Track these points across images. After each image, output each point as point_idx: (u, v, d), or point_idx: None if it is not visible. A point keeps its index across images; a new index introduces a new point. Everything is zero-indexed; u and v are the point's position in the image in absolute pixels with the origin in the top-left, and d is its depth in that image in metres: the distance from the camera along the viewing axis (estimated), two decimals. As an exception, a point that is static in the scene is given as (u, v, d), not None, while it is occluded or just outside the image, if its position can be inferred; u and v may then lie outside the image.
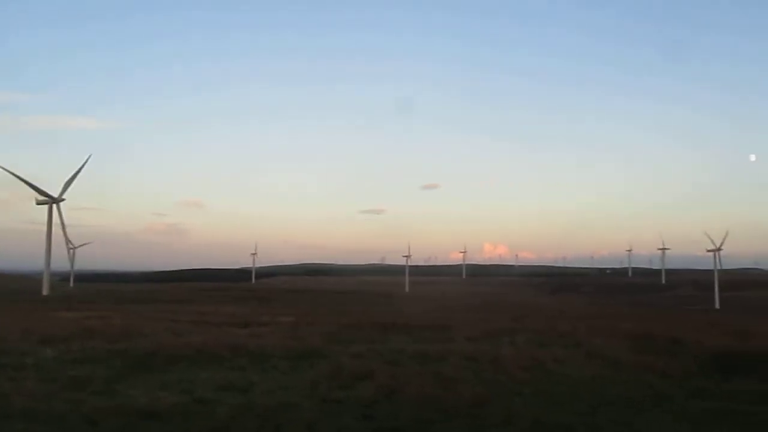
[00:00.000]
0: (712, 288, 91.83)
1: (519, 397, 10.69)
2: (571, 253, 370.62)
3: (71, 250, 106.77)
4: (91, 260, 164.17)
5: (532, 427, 8.69)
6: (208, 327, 22.05)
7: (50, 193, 73.15)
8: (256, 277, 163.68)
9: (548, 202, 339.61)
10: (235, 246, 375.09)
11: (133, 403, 9.75)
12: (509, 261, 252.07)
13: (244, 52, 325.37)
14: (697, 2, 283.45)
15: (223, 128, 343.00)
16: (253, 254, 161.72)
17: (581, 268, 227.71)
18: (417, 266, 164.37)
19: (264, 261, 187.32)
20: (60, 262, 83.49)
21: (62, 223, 74.35)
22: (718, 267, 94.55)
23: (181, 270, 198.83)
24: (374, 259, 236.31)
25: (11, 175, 69.92)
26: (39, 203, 73.45)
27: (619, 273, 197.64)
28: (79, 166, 74.74)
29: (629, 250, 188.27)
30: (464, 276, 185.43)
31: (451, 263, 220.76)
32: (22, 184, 71.28)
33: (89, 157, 75.75)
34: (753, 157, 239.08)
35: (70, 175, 74.32)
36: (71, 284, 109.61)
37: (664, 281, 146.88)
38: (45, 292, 69.87)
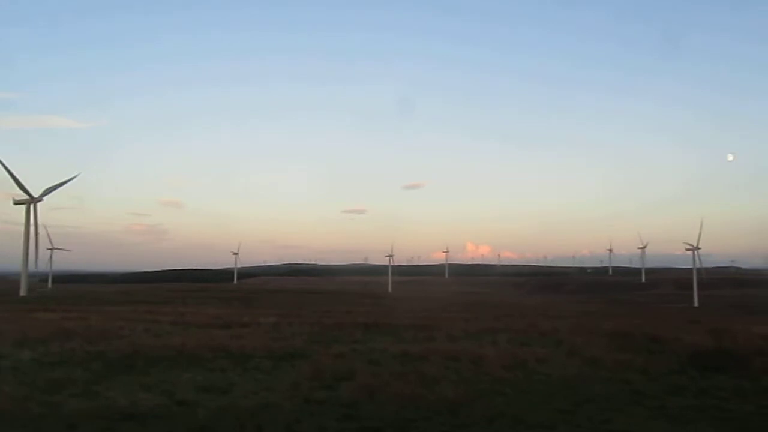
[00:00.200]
0: (691, 286, 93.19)
1: (500, 396, 10.75)
2: (553, 253, 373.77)
3: (49, 251, 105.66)
4: (70, 261, 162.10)
5: (514, 425, 8.75)
6: (189, 328, 21.87)
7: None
8: (238, 278, 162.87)
9: (530, 202, 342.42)
10: (217, 246, 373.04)
11: (113, 405, 9.66)
12: (491, 261, 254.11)
13: (225, 52, 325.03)
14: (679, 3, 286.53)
15: (204, 128, 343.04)
16: (235, 254, 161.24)
17: (563, 267, 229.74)
18: (400, 266, 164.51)
19: (246, 261, 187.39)
20: (38, 262, 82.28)
21: (35, 224, 73.57)
22: (698, 265, 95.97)
23: (162, 271, 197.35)
24: (357, 259, 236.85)
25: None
26: (17, 203, 72.38)
27: (599, 272, 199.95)
28: (64, 179, 75.41)
29: (610, 250, 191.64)
30: (447, 276, 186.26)
31: (434, 263, 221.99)
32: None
33: (77, 175, 77.69)
34: (731, 157, 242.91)
35: (53, 184, 74.65)
36: (50, 285, 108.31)
37: (644, 280, 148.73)
38: (22, 293, 68.93)
